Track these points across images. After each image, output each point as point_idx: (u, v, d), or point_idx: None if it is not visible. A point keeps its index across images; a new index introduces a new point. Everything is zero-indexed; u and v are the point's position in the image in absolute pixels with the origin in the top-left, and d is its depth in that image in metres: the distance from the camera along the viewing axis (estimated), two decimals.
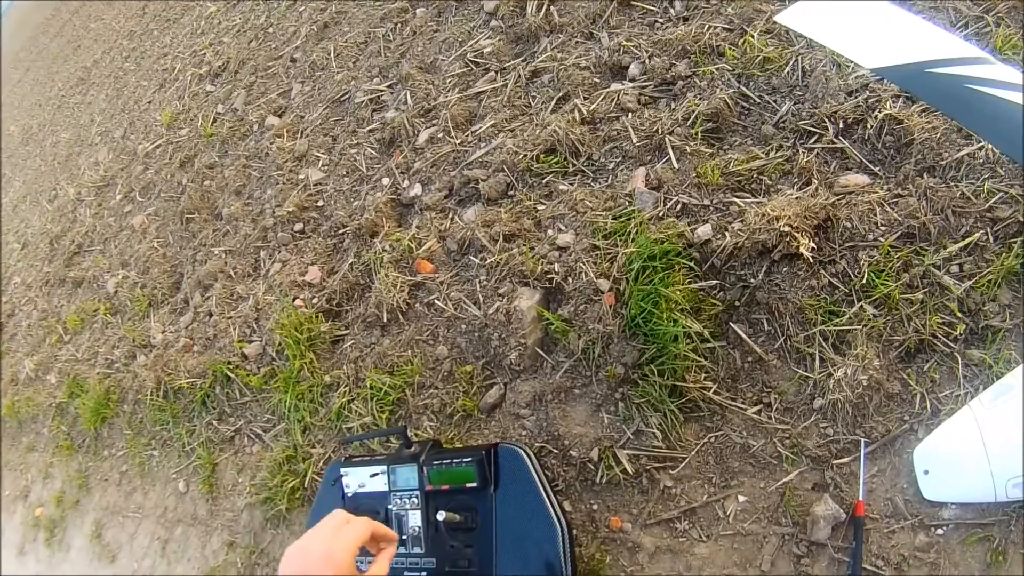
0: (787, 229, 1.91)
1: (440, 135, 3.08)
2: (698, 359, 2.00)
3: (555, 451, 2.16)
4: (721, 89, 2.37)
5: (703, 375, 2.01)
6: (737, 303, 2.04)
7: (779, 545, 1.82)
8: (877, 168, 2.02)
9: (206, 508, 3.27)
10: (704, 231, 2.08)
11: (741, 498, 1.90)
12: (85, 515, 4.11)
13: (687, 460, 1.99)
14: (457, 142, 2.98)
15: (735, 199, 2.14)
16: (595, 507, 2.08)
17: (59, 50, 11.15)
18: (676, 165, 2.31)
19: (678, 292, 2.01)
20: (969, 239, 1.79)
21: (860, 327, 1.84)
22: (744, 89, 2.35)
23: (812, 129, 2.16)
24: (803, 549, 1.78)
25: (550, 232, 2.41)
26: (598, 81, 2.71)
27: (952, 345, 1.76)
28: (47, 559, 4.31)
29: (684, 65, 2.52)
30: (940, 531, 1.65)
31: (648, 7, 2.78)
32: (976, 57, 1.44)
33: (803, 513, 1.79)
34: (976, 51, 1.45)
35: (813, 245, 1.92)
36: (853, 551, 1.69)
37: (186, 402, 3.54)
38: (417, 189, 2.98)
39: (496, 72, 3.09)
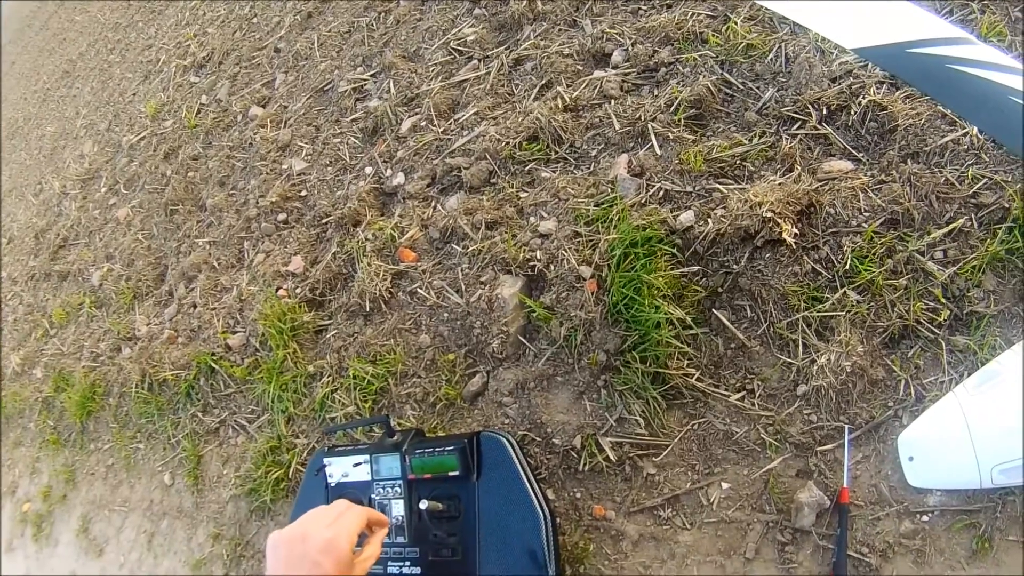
0: (770, 215, 1.90)
1: (423, 124, 3.07)
2: (680, 346, 1.99)
3: (538, 439, 2.15)
4: (704, 76, 2.36)
5: (686, 362, 2.00)
6: (720, 289, 2.03)
7: (763, 532, 1.81)
8: (861, 154, 2.01)
9: (192, 500, 3.25)
10: (686, 217, 2.07)
11: (725, 485, 1.90)
12: (72, 509, 4.09)
13: (670, 447, 1.98)
14: (440, 130, 2.96)
15: (718, 185, 2.13)
16: (578, 495, 2.07)
17: (44, 43, 11.07)
18: (659, 152, 2.30)
19: (660, 278, 2.00)
20: (953, 225, 1.78)
21: (843, 313, 1.83)
22: (727, 76, 2.34)
23: (795, 115, 2.15)
24: (787, 536, 1.78)
25: (532, 219, 2.40)
26: (581, 68, 2.70)
27: (936, 331, 1.76)
28: (35, 555, 4.29)
29: (667, 52, 2.51)
30: (925, 518, 1.65)
31: None
32: (958, 37, 1.43)
33: (787, 500, 1.79)
34: (958, 31, 1.44)
35: (796, 231, 1.91)
36: (838, 538, 1.68)
37: (171, 394, 3.52)
38: (400, 178, 2.96)
39: (479, 60, 3.08)
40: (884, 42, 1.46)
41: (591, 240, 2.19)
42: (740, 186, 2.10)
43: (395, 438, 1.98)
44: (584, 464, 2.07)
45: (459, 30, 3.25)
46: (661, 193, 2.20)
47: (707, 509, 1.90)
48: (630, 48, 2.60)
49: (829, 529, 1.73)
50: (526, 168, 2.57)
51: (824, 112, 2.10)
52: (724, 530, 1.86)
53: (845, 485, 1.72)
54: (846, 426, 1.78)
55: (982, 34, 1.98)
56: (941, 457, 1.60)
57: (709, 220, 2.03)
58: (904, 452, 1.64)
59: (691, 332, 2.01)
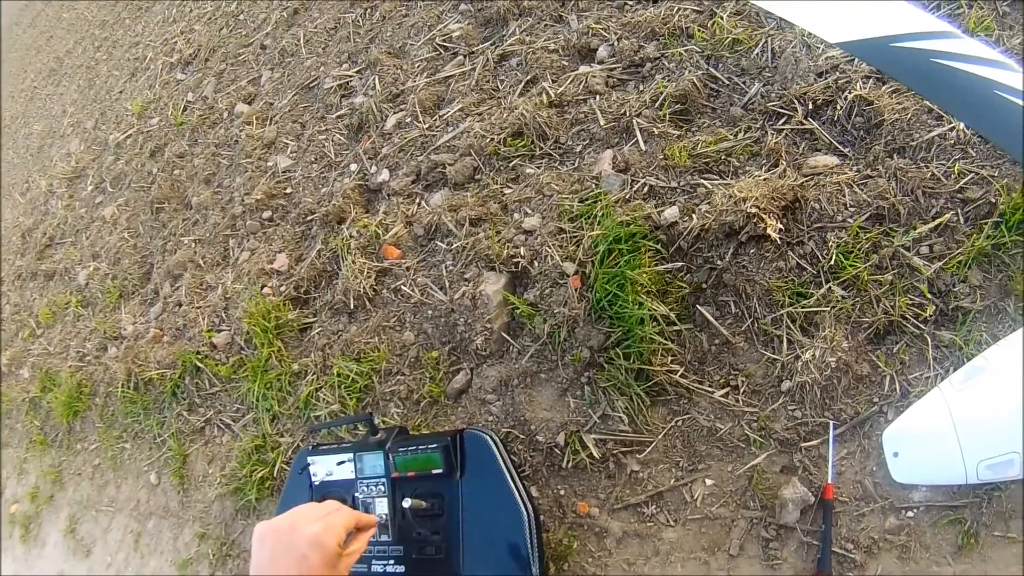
0: (754, 210, 1.89)
1: (408, 120, 3.05)
2: (664, 342, 1.98)
3: (521, 436, 2.14)
4: (690, 71, 2.35)
5: (670, 358, 1.99)
6: (704, 285, 2.02)
7: (747, 529, 1.81)
8: (846, 149, 2.01)
9: (177, 500, 3.24)
10: (671, 213, 2.06)
11: (709, 482, 1.89)
12: (59, 510, 4.08)
13: (654, 444, 1.97)
14: (425, 127, 2.94)
15: (703, 181, 2.12)
16: (562, 492, 2.06)
17: (32, 41, 11.02)
18: (643, 147, 2.29)
19: (644, 275, 1.99)
20: (939, 220, 1.78)
21: (828, 309, 1.82)
22: (713, 71, 2.33)
23: (781, 110, 2.14)
24: (772, 533, 1.77)
25: (516, 216, 2.39)
26: (566, 64, 2.69)
27: (922, 327, 1.75)
28: (23, 556, 4.28)
29: (653, 47, 2.50)
30: (910, 513, 1.64)
31: None
32: (943, 31, 1.42)
33: (771, 496, 1.78)
34: (943, 25, 1.43)
35: (781, 226, 1.90)
36: (822, 534, 1.68)
37: (156, 393, 3.51)
38: (385, 175, 2.95)
39: (464, 56, 3.07)
40: (868, 36, 1.45)
41: (575, 236, 2.18)
42: (725, 181, 2.09)
43: (379, 436, 1.98)
44: (568, 461, 2.06)
45: (444, 26, 3.24)
46: (645, 189, 2.19)
47: (691, 506, 1.89)
48: (615, 43, 2.58)
49: (814, 525, 1.73)
50: (510, 164, 2.56)
51: (810, 107, 2.09)
52: (708, 527, 1.86)
53: (830, 481, 1.72)
54: (831, 422, 1.77)
55: (969, 29, 1.97)
56: (926, 453, 1.59)
57: (693, 216, 2.02)
58: (889, 448, 1.63)
59: (675, 328, 2.00)
